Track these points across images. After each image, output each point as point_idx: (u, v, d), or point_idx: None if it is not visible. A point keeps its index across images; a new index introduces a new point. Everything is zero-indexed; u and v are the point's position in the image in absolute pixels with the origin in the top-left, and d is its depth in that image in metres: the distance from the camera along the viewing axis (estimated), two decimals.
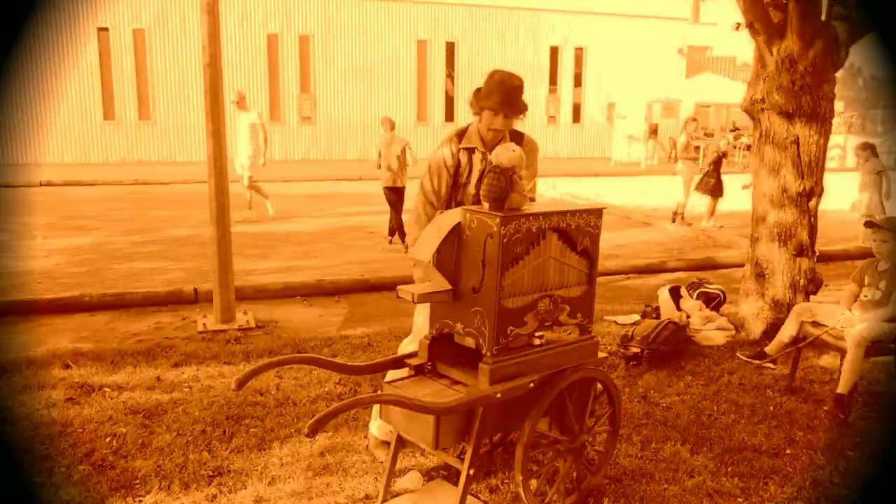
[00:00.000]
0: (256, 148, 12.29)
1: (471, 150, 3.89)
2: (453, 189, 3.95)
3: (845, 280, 7.39)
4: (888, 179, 10.30)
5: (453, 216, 3.34)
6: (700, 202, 13.19)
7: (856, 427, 4.68)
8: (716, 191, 12.67)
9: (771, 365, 5.55)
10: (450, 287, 3.31)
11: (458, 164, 3.89)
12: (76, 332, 6.56)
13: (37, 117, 21.47)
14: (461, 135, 3.93)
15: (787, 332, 5.26)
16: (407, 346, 4.08)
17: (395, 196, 10.46)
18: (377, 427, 4.14)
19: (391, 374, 3.69)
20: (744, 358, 5.70)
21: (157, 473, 3.94)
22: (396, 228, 10.61)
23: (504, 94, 3.69)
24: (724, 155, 12.84)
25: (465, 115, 27.83)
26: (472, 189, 3.89)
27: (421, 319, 4.01)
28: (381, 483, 3.68)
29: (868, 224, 5.10)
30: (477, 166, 3.88)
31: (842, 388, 4.72)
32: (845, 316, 4.95)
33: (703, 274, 8.73)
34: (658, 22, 27.89)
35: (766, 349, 5.48)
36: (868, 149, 10.49)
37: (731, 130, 25.86)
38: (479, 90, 3.81)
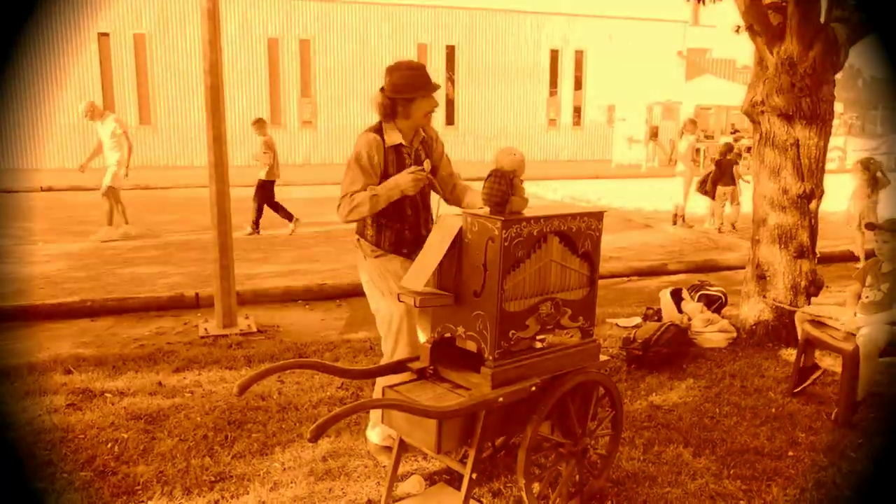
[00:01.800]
0: (121, 157, 11.20)
1: (397, 148, 3.90)
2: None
3: (846, 281, 7.38)
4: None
5: (450, 228, 3.33)
6: (703, 203, 13.20)
7: (858, 429, 4.67)
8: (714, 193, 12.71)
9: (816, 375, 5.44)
10: (438, 260, 3.30)
11: (384, 162, 3.86)
12: (77, 337, 6.57)
13: (38, 122, 21.50)
14: (379, 133, 3.90)
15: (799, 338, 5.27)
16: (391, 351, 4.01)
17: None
18: (376, 433, 4.14)
19: (385, 379, 3.66)
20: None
21: (158, 479, 3.94)
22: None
23: (426, 77, 3.84)
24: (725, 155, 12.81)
25: (466, 117, 27.87)
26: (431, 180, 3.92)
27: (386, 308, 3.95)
28: (383, 487, 3.68)
29: (870, 226, 5.10)
30: (407, 161, 3.91)
31: (860, 395, 4.70)
32: (848, 319, 4.94)
33: (705, 276, 8.74)
34: (658, 24, 27.93)
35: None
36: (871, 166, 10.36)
37: (731, 133, 25.85)
38: (386, 89, 3.84)
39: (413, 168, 3.80)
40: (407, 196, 3.88)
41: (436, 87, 3.90)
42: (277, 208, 12.12)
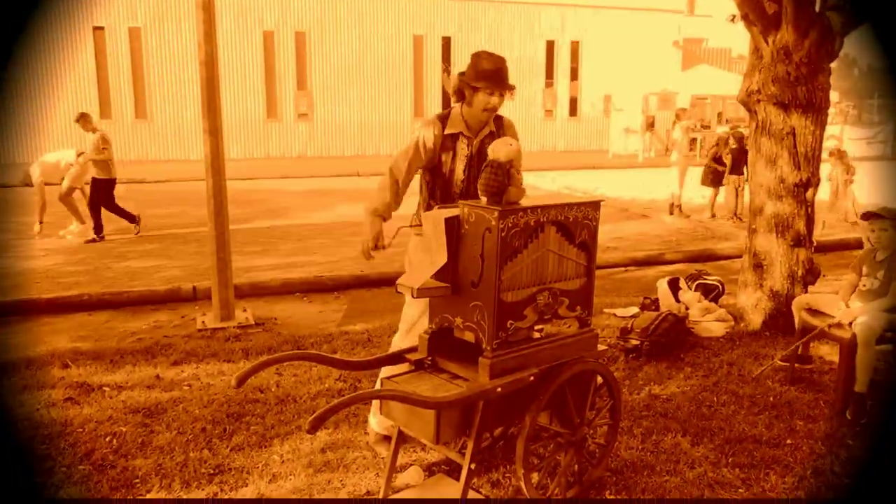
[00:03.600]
0: (83, 170, 10.86)
1: (455, 136, 3.88)
2: (437, 176, 3.92)
3: (843, 270, 7.39)
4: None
5: (437, 225, 3.32)
6: (706, 193, 13.23)
7: (857, 417, 4.68)
8: (716, 181, 12.74)
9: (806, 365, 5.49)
10: (444, 260, 3.30)
11: (438, 149, 3.87)
12: (75, 331, 6.56)
13: (33, 117, 21.44)
14: (444, 119, 3.91)
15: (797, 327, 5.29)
16: (398, 342, 4.07)
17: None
18: (377, 422, 4.14)
19: (388, 371, 3.69)
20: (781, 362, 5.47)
21: (157, 472, 3.94)
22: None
23: (497, 73, 3.74)
24: (726, 143, 12.82)
25: None
26: (459, 175, 3.89)
27: (413, 312, 4.00)
28: (382, 479, 3.68)
29: (866, 215, 5.09)
30: (462, 152, 3.88)
31: (860, 386, 4.70)
32: (845, 308, 4.95)
33: (702, 265, 8.75)
34: (653, 14, 27.89)
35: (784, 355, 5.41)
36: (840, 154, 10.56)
37: (726, 122, 25.86)
38: (464, 74, 3.82)
39: (371, 244, 3.86)
40: (458, 185, 3.89)
41: (504, 87, 3.79)
42: (118, 211, 10.95)
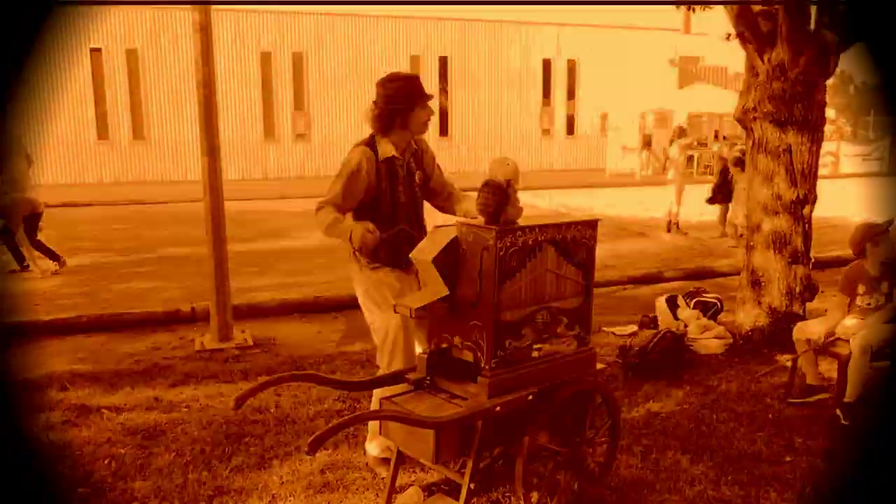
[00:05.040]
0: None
1: (389, 160, 3.91)
2: (379, 203, 3.91)
3: None
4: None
5: (442, 240, 3.34)
6: (703, 210, 13.25)
7: (855, 432, 4.68)
8: (724, 199, 12.74)
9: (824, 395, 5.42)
10: (446, 292, 3.31)
11: (373, 177, 3.87)
12: (73, 353, 6.55)
13: (31, 139, 21.49)
14: (373, 146, 3.91)
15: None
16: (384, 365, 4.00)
17: None
18: (374, 446, 4.13)
19: (384, 391, 3.67)
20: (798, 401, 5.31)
21: (156, 494, 3.93)
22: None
23: (421, 85, 3.88)
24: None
25: (460, 128, 27.88)
26: (400, 198, 3.93)
27: (380, 325, 3.95)
28: (381, 499, 3.68)
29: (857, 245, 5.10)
30: (400, 173, 3.93)
31: (849, 396, 4.71)
32: (847, 323, 4.96)
33: (700, 283, 8.75)
34: (649, 33, 28.04)
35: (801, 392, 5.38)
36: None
37: (723, 139, 25.95)
38: (381, 101, 3.85)
39: (371, 227, 3.72)
40: (401, 208, 3.89)
41: (430, 97, 3.92)
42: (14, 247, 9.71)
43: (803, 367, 5.31)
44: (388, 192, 3.92)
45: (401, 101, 3.82)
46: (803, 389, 5.26)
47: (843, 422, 4.69)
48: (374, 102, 3.89)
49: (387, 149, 3.90)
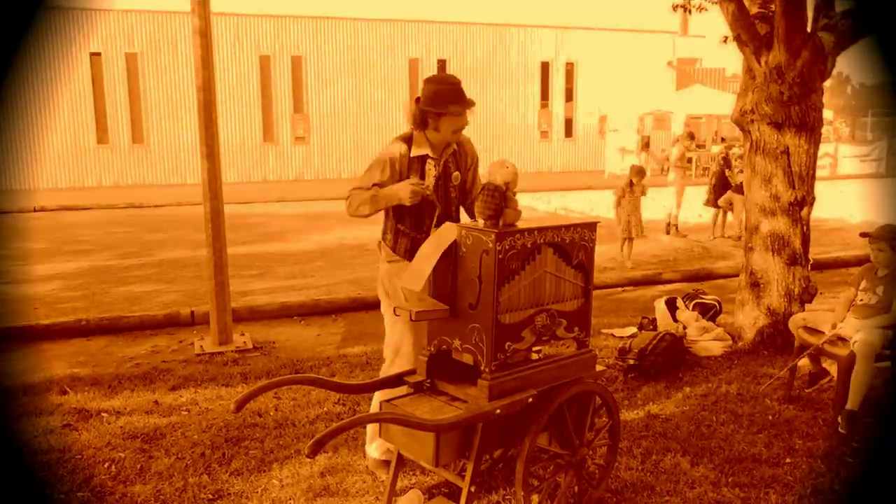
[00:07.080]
0: None
1: (422, 158, 3.90)
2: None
3: (840, 287, 7.40)
4: None
5: (446, 236, 3.35)
6: (703, 212, 13.27)
7: (855, 434, 4.68)
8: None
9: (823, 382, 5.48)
10: (444, 307, 3.32)
11: (406, 170, 3.87)
12: (73, 357, 6.55)
13: (30, 143, 21.50)
14: (408, 141, 3.92)
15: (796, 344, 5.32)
16: (386, 371, 4.04)
17: None
18: (374, 448, 4.14)
19: (383, 394, 3.68)
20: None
21: (156, 498, 3.93)
22: None
23: (458, 94, 3.80)
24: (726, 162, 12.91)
25: None
26: (429, 197, 3.90)
27: (395, 338, 4.02)
28: (381, 502, 3.68)
29: (864, 235, 5.14)
30: (431, 173, 3.91)
31: (851, 403, 4.70)
32: (845, 323, 4.96)
33: (699, 284, 8.76)
34: (647, 35, 28.09)
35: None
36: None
37: (721, 141, 25.98)
38: (421, 100, 3.84)
39: (414, 180, 3.79)
40: (428, 206, 3.89)
41: (469, 105, 3.83)
42: None
43: (806, 365, 5.36)
44: None
45: (435, 104, 3.79)
46: (814, 375, 5.37)
47: (840, 430, 4.68)
48: (416, 99, 3.88)
49: (421, 147, 3.90)
